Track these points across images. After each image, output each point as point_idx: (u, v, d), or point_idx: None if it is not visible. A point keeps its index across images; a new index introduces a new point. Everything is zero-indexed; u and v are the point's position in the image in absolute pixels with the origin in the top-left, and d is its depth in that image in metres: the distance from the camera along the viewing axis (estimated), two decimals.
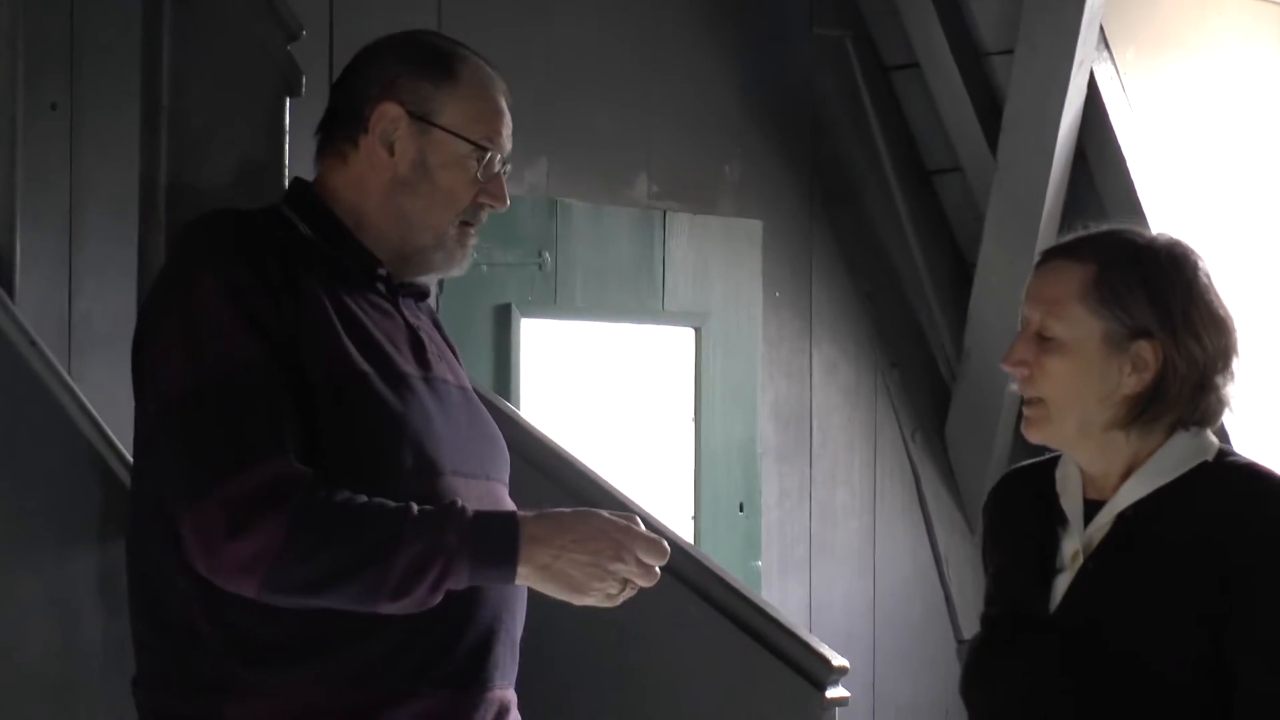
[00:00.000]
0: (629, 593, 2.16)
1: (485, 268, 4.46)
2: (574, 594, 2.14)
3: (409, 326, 2.22)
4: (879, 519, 5.28)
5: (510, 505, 2.27)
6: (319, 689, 2.05)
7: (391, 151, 2.21)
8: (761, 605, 3.70)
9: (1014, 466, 2.29)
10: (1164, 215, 5.23)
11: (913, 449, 5.38)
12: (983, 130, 5.13)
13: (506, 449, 2.33)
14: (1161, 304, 2.08)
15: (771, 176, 5.13)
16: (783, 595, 4.89)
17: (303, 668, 2.05)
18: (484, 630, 2.15)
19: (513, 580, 2.10)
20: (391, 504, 2.05)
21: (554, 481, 4.01)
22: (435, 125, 2.21)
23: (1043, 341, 2.09)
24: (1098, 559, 2.08)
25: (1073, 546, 2.11)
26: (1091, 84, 5.06)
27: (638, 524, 2.18)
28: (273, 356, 2.07)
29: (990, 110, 5.13)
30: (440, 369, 2.22)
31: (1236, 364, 2.11)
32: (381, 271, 2.22)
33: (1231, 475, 2.09)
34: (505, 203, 2.28)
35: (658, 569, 2.17)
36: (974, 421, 5.20)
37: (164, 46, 3.77)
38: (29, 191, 3.63)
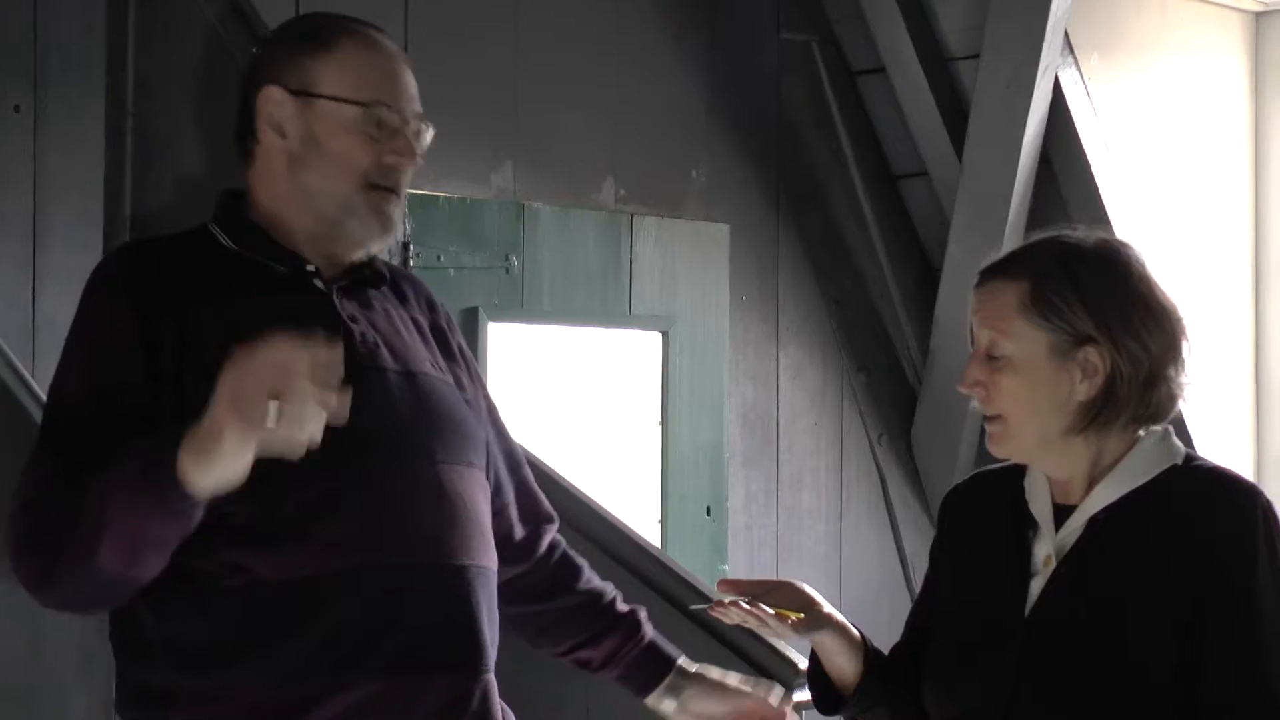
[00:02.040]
0: (275, 413, 1.94)
1: (452, 271, 4.46)
2: (236, 417, 1.92)
3: (339, 318, 2.17)
4: (845, 523, 5.29)
5: (473, 487, 2.21)
6: (254, 689, 2.04)
7: (283, 133, 2.17)
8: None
9: (980, 470, 2.30)
10: (1128, 219, 5.26)
11: (879, 453, 5.39)
12: (948, 135, 5.15)
13: (474, 429, 2.26)
14: (1097, 308, 2.09)
15: (738, 180, 5.13)
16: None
17: (238, 669, 2.05)
18: (421, 618, 2.12)
19: (181, 478, 1.95)
20: (74, 477, 2.03)
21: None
22: (317, 96, 2.17)
23: (993, 360, 2.11)
24: (1071, 563, 2.09)
25: (1045, 551, 2.11)
26: (1056, 89, 5.08)
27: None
28: (111, 388, 2.06)
29: (956, 115, 5.15)
30: (376, 357, 2.17)
31: (1185, 353, 2.12)
32: (310, 268, 2.18)
33: (1201, 479, 2.10)
34: (413, 157, 2.20)
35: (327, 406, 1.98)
36: (940, 425, 5.22)
37: (129, 49, 3.76)
38: None
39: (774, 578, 2.20)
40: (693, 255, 4.99)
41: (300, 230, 2.19)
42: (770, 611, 2.15)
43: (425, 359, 2.24)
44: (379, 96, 2.19)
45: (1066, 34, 5.07)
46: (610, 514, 3.96)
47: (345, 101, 2.16)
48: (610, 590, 2.46)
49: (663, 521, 4.86)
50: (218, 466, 1.95)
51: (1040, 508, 2.14)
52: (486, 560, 2.21)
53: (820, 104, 5.29)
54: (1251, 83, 5.84)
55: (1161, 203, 5.46)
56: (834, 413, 5.34)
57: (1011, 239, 5.09)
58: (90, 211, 3.54)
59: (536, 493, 2.43)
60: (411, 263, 4.35)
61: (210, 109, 3.20)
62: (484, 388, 2.38)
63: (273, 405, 1.93)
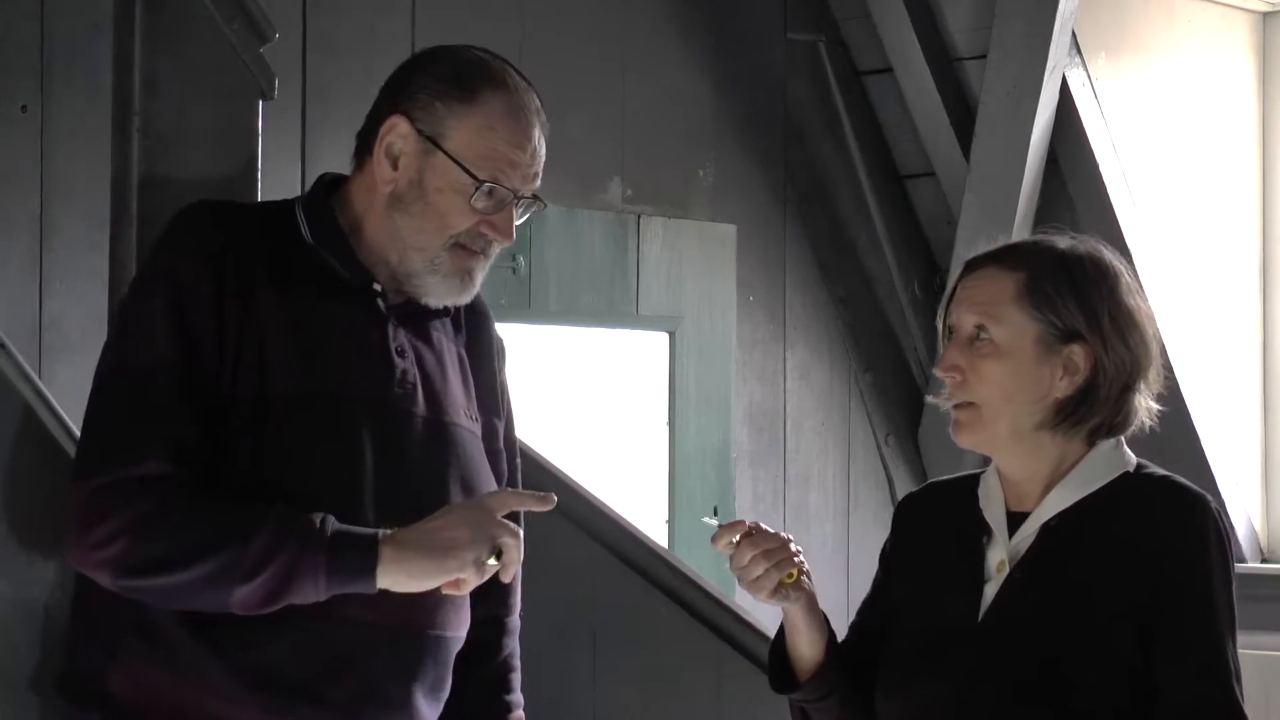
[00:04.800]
0: (499, 564, 2.05)
1: None
2: (448, 555, 2.03)
3: (389, 350, 2.16)
4: (852, 523, 5.29)
5: None
6: (203, 663, 2.04)
7: (395, 165, 2.16)
8: (735, 609, 3.70)
9: (933, 480, 2.31)
10: (1135, 219, 5.25)
11: (886, 453, 5.39)
12: (956, 135, 5.14)
13: (483, 490, 2.24)
14: (1089, 308, 2.11)
15: (745, 181, 5.13)
16: (756, 600, 4.89)
17: (190, 646, 2.05)
18: (365, 678, 2.09)
19: (374, 573, 2.01)
20: (254, 505, 2.03)
21: (527, 487, 4.00)
22: (439, 148, 2.15)
23: (976, 346, 2.12)
24: (1024, 568, 2.10)
25: (998, 557, 2.13)
26: (1064, 89, 5.08)
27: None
28: (191, 362, 2.04)
29: (963, 115, 5.14)
30: (412, 400, 2.15)
31: (1154, 374, 2.16)
32: (376, 287, 2.17)
33: (1153, 487, 2.13)
34: (509, 238, 2.20)
35: (521, 532, 2.09)
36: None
37: (135, 49, 3.75)
38: (1, 193, 3.62)
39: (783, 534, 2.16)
40: (700, 255, 4.98)
41: (382, 256, 2.17)
42: (767, 562, 2.13)
43: (460, 406, 2.23)
44: (498, 175, 2.16)
45: (1074, 34, 5.07)
46: (617, 514, 3.96)
47: (463, 169, 2.14)
48: (516, 715, 2.38)
49: (670, 522, 4.86)
50: (405, 583, 2.01)
51: (994, 514, 2.15)
52: (455, 629, 2.20)
53: (827, 104, 5.29)
54: (1259, 83, 5.83)
55: (1169, 202, 5.45)
56: (841, 413, 5.34)
57: (1019, 239, 5.08)
58: (97, 212, 3.54)
59: (515, 582, 2.36)
60: None
61: (218, 110, 3.20)
62: (513, 440, 2.37)
63: (491, 564, 2.02)
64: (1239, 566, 5.80)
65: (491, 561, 2.03)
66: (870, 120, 5.35)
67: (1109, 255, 2.17)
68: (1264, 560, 5.58)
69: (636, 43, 4.87)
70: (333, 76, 4.23)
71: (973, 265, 2.18)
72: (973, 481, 2.21)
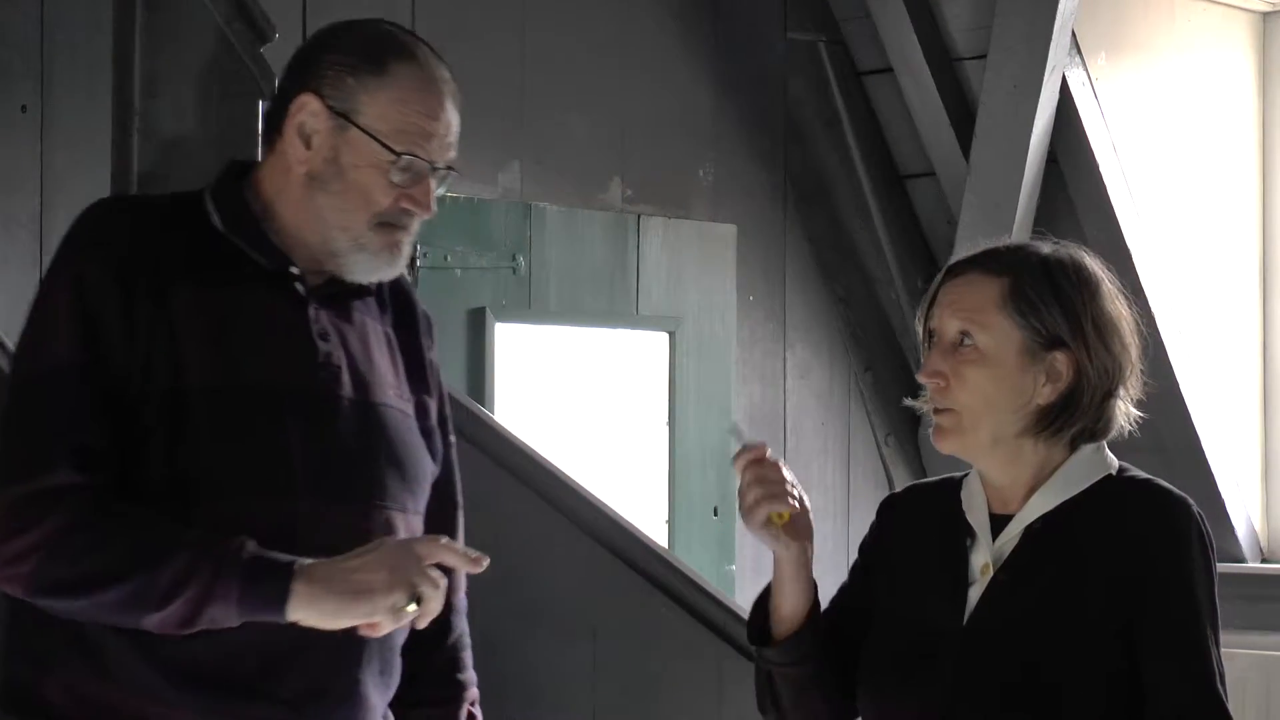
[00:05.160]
0: (417, 614, 2.01)
1: (459, 271, 4.46)
2: (364, 600, 1.98)
3: (311, 333, 2.11)
4: (852, 523, 5.29)
5: (403, 530, 2.14)
6: (137, 669, 2.02)
7: (309, 145, 2.09)
8: (735, 608, 3.70)
9: (915, 482, 2.31)
10: (1135, 219, 5.25)
11: (886, 453, 5.39)
12: (955, 135, 5.14)
13: (423, 471, 2.20)
14: (1073, 315, 2.10)
15: (745, 181, 5.13)
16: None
17: (126, 654, 2.02)
18: (309, 669, 2.06)
19: (285, 605, 1.98)
20: (170, 522, 1.99)
21: (528, 486, 4.01)
22: (353, 124, 2.09)
23: (960, 352, 2.11)
24: (1008, 571, 2.09)
25: (982, 560, 2.12)
26: (1064, 89, 5.08)
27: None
28: (98, 364, 2.01)
29: (963, 115, 5.14)
30: (337, 383, 2.11)
31: (1134, 379, 2.14)
32: (294, 270, 2.12)
33: (1136, 490, 2.12)
34: (430, 210, 2.13)
35: (445, 582, 2.02)
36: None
37: (136, 49, 3.76)
38: (0, 194, 3.62)
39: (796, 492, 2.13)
40: (700, 255, 4.98)
41: (297, 237, 2.12)
42: (760, 490, 2.09)
43: (389, 385, 2.17)
44: (414, 147, 2.10)
45: (1074, 34, 5.07)
46: (618, 514, 3.96)
47: (381, 144, 2.09)
48: (468, 691, 2.33)
49: (670, 521, 4.86)
50: (317, 620, 1.98)
51: (977, 517, 2.14)
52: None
53: (827, 104, 5.29)
54: (1259, 83, 5.83)
55: (1169, 202, 5.45)
56: (841, 413, 5.34)
57: (1019, 239, 5.07)
58: None
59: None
60: (419, 263, 4.35)
61: (218, 110, 3.20)
62: (447, 416, 2.28)
63: (410, 609, 1.97)
64: (1239, 566, 5.82)
65: (410, 608, 1.99)
66: (870, 120, 5.35)
67: (1091, 261, 2.16)
68: (1264, 560, 5.58)
69: (637, 43, 4.87)
70: None
71: (954, 270, 2.16)
72: (954, 484, 2.20)
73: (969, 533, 2.14)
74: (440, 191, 2.16)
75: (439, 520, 2.25)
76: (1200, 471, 5.27)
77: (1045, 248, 2.16)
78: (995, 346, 2.09)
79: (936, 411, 2.13)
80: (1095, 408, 2.11)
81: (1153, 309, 5.18)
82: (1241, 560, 5.43)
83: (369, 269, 2.13)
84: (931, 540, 2.16)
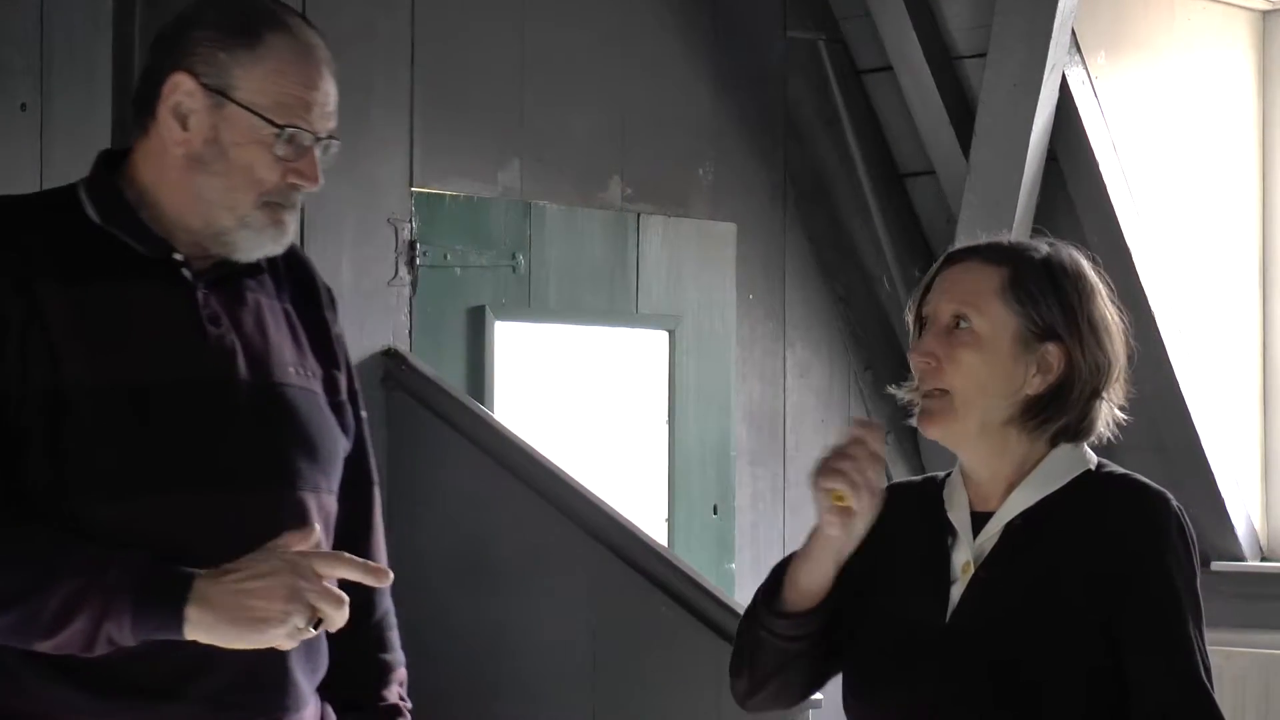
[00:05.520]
0: (319, 628, 1.96)
1: (458, 270, 4.46)
2: (260, 628, 1.93)
3: (200, 319, 2.06)
4: None
5: (313, 516, 2.09)
6: (71, 699, 1.98)
7: (185, 126, 2.03)
8: (734, 607, 3.70)
9: (897, 481, 2.29)
10: (1135, 218, 5.25)
11: (886, 451, 5.39)
12: (955, 133, 5.14)
13: (334, 448, 2.14)
14: (1070, 310, 2.13)
15: (745, 179, 5.13)
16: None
17: (57, 682, 1.98)
18: (234, 659, 2.01)
19: (181, 629, 1.93)
20: (62, 538, 1.94)
21: (528, 484, 4.01)
22: (230, 100, 2.02)
23: (954, 335, 2.12)
24: (989, 568, 2.10)
25: (963, 558, 2.13)
26: (1063, 87, 5.07)
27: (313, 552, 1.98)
28: None
29: (963, 113, 5.14)
30: (231, 368, 2.06)
31: (1120, 385, 2.16)
32: (177, 257, 2.06)
33: (1114, 485, 2.14)
34: (316, 181, 2.07)
35: (345, 598, 1.96)
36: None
37: (135, 47, 3.75)
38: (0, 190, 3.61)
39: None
40: (699, 254, 4.98)
41: (179, 221, 2.07)
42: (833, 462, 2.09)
43: (289, 364, 2.12)
44: (296, 119, 2.04)
45: (1073, 32, 5.07)
46: (617, 512, 3.96)
47: (261, 118, 2.03)
48: (394, 672, 2.27)
49: (670, 520, 4.86)
50: (221, 642, 1.94)
51: (959, 515, 2.15)
52: None
53: (827, 102, 5.29)
54: (1259, 81, 5.83)
55: (1169, 201, 5.45)
56: (841, 411, 5.33)
57: (1018, 237, 5.07)
58: None
59: (370, 524, 2.26)
60: (418, 261, 4.35)
61: None
62: (356, 390, 2.23)
63: (312, 631, 1.93)
64: (1239, 565, 5.81)
65: (313, 630, 1.96)
66: (870, 118, 5.34)
67: (1090, 266, 2.19)
68: (1264, 559, 5.58)
69: (636, 41, 4.87)
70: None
71: (954, 257, 2.19)
72: (937, 484, 2.21)
73: (951, 531, 2.15)
74: (332, 155, 2.10)
75: (355, 498, 2.21)
76: (1200, 470, 5.27)
77: (1046, 247, 2.18)
78: (991, 331, 2.11)
79: (926, 395, 2.13)
80: (1082, 404, 2.13)
81: (1152, 308, 5.18)
82: (1241, 559, 5.43)
83: (255, 246, 2.08)
84: (914, 539, 2.17)
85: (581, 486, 3.99)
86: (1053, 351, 2.12)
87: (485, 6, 4.55)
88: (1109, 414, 2.17)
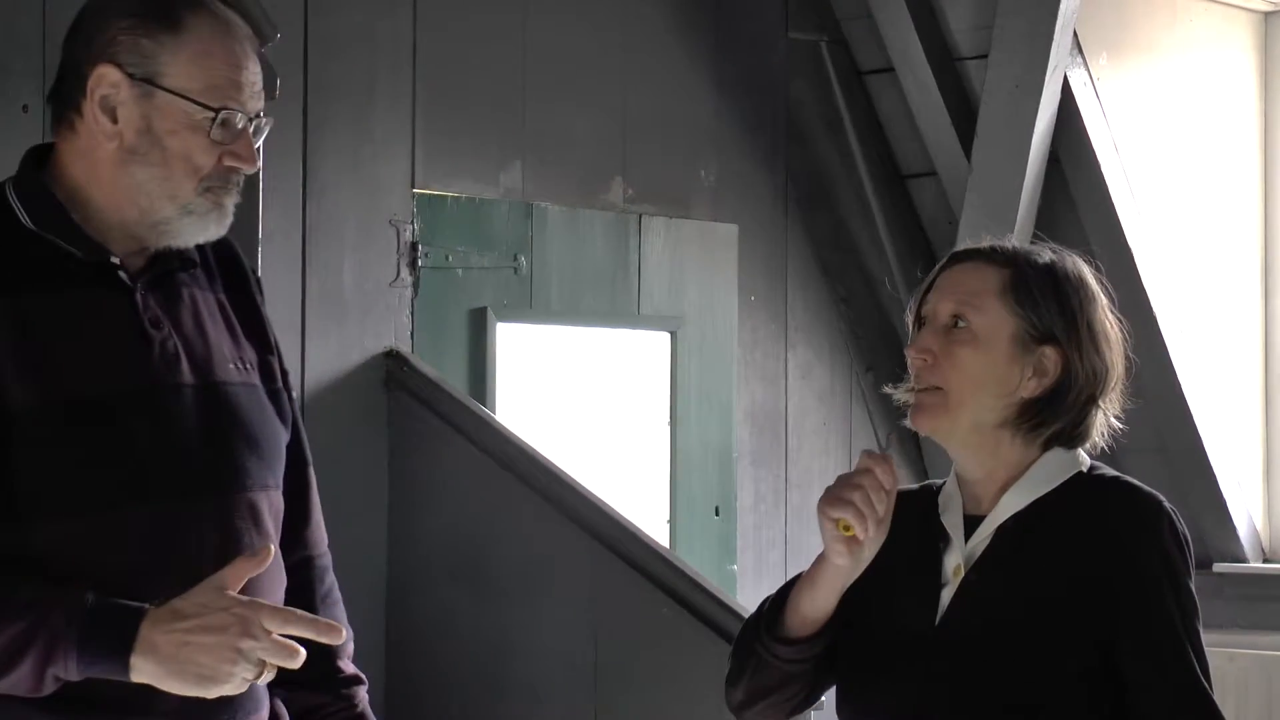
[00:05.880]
0: (269, 674, 1.92)
1: (460, 271, 4.46)
2: (207, 684, 1.89)
3: (141, 323, 2.02)
4: None
5: (264, 514, 2.07)
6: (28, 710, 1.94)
7: (115, 119, 1.98)
8: (736, 608, 3.70)
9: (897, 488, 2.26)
10: (1137, 219, 5.25)
11: (888, 453, 5.38)
12: (957, 135, 5.14)
13: (277, 443, 2.11)
14: (1069, 313, 2.13)
15: (747, 180, 5.13)
16: (758, 599, 4.87)
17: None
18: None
19: (127, 675, 1.89)
20: (5, 578, 1.90)
21: (529, 486, 4.01)
22: (159, 88, 1.97)
23: (952, 333, 2.12)
24: (979, 571, 2.10)
25: (954, 561, 2.12)
26: (1065, 89, 5.07)
27: (259, 604, 1.93)
28: None
29: (965, 115, 5.14)
30: (176, 371, 2.02)
31: (1117, 393, 2.16)
32: (114, 260, 2.01)
33: (1106, 487, 2.13)
34: (254, 163, 2.02)
35: (301, 649, 1.91)
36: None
37: None
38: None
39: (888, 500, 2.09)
40: (701, 255, 4.98)
41: (114, 217, 2.02)
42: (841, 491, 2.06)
43: (229, 360, 2.09)
44: (228, 100, 1.99)
45: (1075, 34, 5.07)
46: (619, 514, 3.95)
47: (193, 103, 1.98)
48: (340, 646, 2.21)
49: (671, 521, 4.86)
50: (164, 688, 1.90)
51: (952, 519, 2.15)
52: (272, 595, 2.06)
53: (829, 104, 5.29)
54: (1261, 83, 5.83)
55: (1170, 202, 5.45)
56: (843, 412, 5.33)
57: (1020, 239, 5.06)
58: None
59: (308, 505, 2.22)
60: (420, 262, 4.35)
61: None
62: (285, 370, 2.19)
63: (241, 671, 1.88)
64: (1241, 566, 5.80)
65: (261, 678, 1.92)
66: (872, 120, 5.34)
67: (1092, 275, 2.19)
68: (1266, 560, 5.58)
69: (638, 43, 4.87)
70: (334, 76, 4.23)
71: (958, 258, 2.19)
72: (931, 492, 2.20)
73: (944, 536, 2.15)
74: (259, 143, 2.05)
75: (292, 482, 2.18)
76: (1202, 471, 5.27)
77: (1050, 253, 2.18)
78: (989, 330, 2.11)
79: (921, 391, 2.13)
80: (1077, 410, 2.13)
81: (1154, 309, 5.18)
82: (1243, 560, 5.42)
83: (198, 231, 2.04)
84: (907, 544, 2.15)
85: (583, 488, 3.99)
86: (1050, 355, 2.11)
87: (487, 7, 4.55)
88: (1104, 422, 2.16)
